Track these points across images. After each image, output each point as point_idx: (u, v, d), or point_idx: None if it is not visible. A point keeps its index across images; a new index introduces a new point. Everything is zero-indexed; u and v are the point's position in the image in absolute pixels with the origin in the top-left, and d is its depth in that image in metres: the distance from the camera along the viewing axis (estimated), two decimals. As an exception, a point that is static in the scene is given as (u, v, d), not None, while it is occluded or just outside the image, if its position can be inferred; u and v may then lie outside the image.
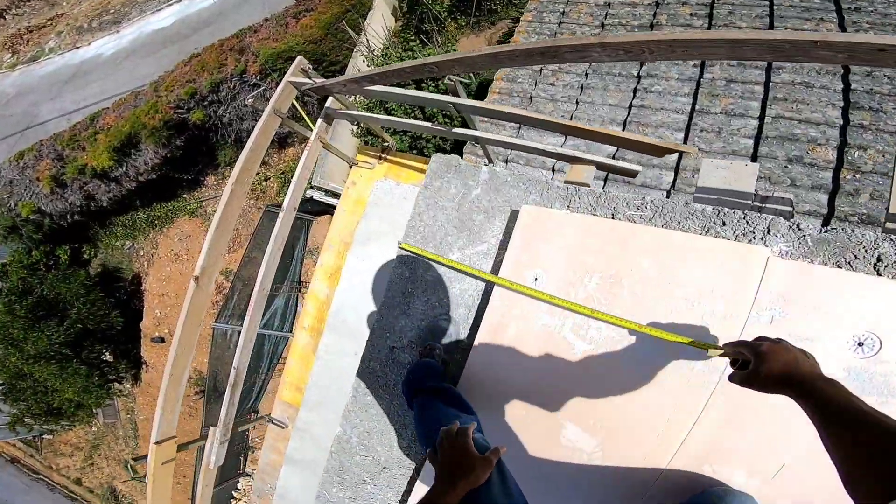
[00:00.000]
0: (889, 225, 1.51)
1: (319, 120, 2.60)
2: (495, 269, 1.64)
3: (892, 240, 1.10)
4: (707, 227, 1.28)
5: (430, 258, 1.74)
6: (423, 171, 2.96)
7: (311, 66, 2.39)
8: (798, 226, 1.18)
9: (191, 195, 9.43)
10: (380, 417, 1.87)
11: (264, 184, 8.38)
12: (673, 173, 2.78)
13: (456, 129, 2.32)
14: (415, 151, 5.03)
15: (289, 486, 3.46)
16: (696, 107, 2.91)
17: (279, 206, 7.85)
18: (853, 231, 1.13)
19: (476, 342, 1.58)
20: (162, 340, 9.61)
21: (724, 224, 1.26)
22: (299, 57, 2.42)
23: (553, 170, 3.11)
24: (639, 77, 3.23)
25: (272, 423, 4.01)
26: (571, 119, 3.21)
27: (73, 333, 8.83)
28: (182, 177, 9.11)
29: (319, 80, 2.31)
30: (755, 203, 1.72)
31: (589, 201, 1.49)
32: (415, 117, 4.80)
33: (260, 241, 7.98)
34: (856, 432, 0.71)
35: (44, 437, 11.86)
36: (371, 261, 2.88)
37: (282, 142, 8.33)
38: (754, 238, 1.21)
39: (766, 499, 1.08)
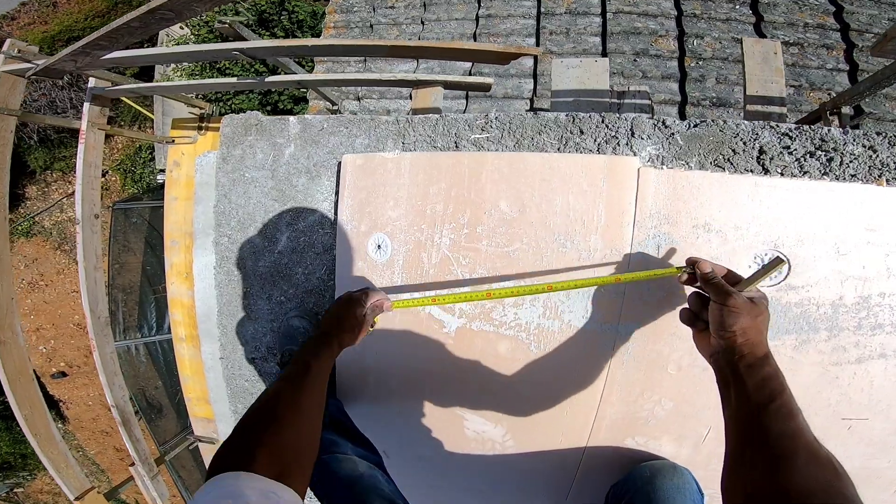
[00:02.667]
0: (749, 108, 1.33)
1: (86, 104, 1.83)
2: (332, 240, 1.22)
3: (771, 126, 0.86)
4: (564, 138, 0.95)
5: None
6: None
7: (28, 47, 1.61)
8: (664, 122, 0.90)
9: (15, 214, 7.40)
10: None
11: (103, 179, 6.77)
12: (532, 80, 2.47)
13: (270, 78, 1.73)
14: (268, 108, 4.18)
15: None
16: (542, 9, 2.56)
17: (130, 200, 6.47)
18: (726, 122, 0.87)
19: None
20: (64, 375, 8.04)
21: (582, 132, 0.94)
22: (8, 40, 1.63)
23: (412, 97, 2.64)
24: (481, -16, 2.78)
25: (201, 441, 3.42)
26: (420, 40, 2.71)
27: None
28: (-11, 198, 7.09)
29: (42, 62, 1.56)
30: (613, 100, 1.46)
31: (426, 132, 1.09)
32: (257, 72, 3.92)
33: (125, 243, 6.61)
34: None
35: (16, 490, 10.05)
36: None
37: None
38: (618, 144, 0.91)
39: (700, 465, 0.88)
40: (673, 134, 0.89)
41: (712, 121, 0.88)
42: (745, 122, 0.87)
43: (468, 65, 2.70)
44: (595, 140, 0.94)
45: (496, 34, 2.61)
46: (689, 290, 0.77)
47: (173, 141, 2.49)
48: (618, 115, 0.92)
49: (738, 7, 2.18)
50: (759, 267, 0.78)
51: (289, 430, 0.62)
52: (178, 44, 4.20)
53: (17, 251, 7.54)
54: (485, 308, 0.92)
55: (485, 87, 1.81)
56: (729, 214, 0.78)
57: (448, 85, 1.75)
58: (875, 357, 0.76)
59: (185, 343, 3.12)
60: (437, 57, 1.42)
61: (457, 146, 1.05)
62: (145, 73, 5.47)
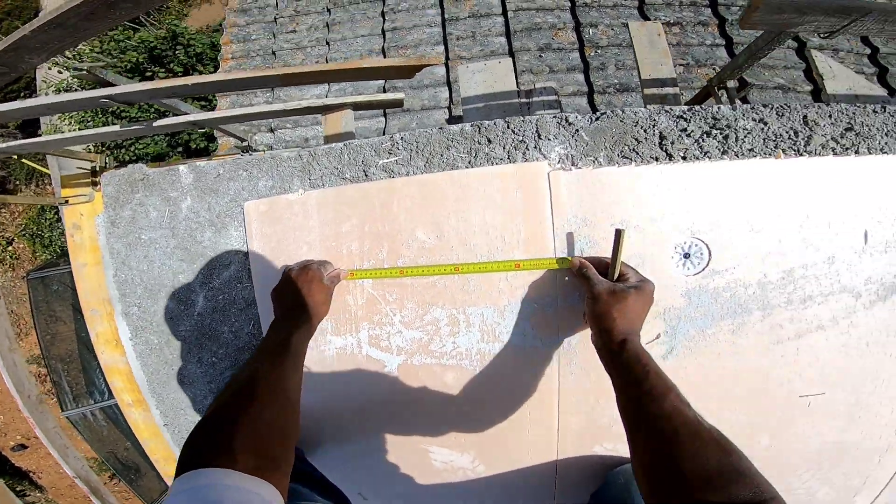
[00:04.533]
0: (646, 91, 1.34)
1: None
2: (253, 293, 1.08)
3: (667, 111, 0.83)
4: (474, 150, 0.89)
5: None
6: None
7: None
8: (567, 119, 0.85)
9: None
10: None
11: (9, 249, 5.97)
12: (447, 88, 2.41)
13: (159, 122, 1.55)
14: (179, 149, 3.83)
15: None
16: (446, 16, 2.51)
17: (44, 268, 5.78)
18: (624, 112, 0.84)
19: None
20: (24, 447, 7.24)
21: (489, 141, 0.88)
22: None
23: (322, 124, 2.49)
24: (381, -2, 2.69)
25: None
26: (327, 63, 2.57)
27: None
28: None
29: None
30: (522, 100, 1.42)
31: (332, 164, 0.98)
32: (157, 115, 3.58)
33: (50, 313, 5.90)
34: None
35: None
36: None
37: (-1, 189, 5.83)
38: (528, 148, 0.86)
39: None
40: (578, 130, 0.85)
41: (612, 112, 0.85)
42: (642, 109, 0.85)
43: (383, 81, 2.60)
44: (504, 147, 0.88)
45: (405, 46, 2.53)
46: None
47: (67, 201, 2.19)
48: (522, 118, 0.87)
49: (622, -8, 2.24)
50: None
51: (269, 414, 0.54)
52: (57, 90, 3.76)
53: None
54: (422, 342, 0.84)
55: (397, 103, 1.72)
56: (643, 208, 0.75)
57: (357, 106, 1.64)
58: (813, 330, 0.75)
59: (134, 408, 2.82)
60: (334, 80, 1.31)
61: (366, 175, 0.96)
62: (30, 124, 4.85)
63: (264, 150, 2.56)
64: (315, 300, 0.74)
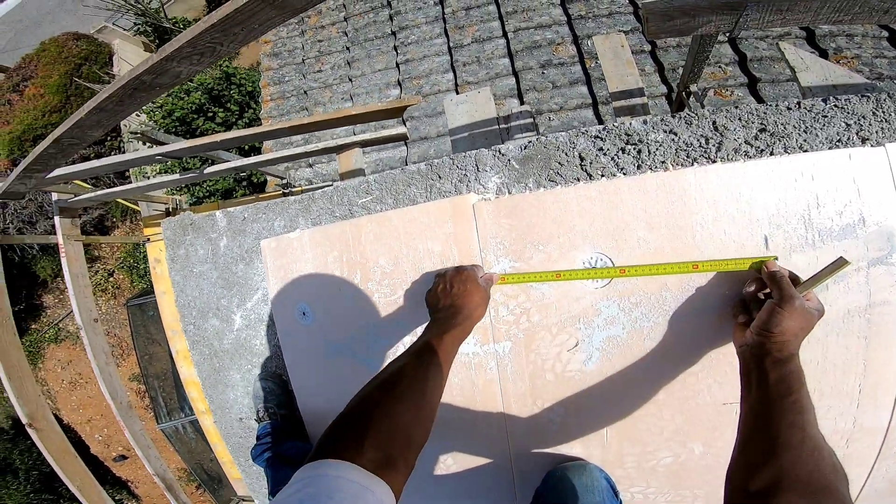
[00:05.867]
0: (615, 104, 1.44)
1: (56, 218, 2.04)
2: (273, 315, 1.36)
3: (583, 133, 0.97)
4: (428, 185, 1.08)
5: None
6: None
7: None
8: (500, 151, 1.02)
9: (39, 324, 7.78)
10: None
11: (111, 279, 7.07)
12: (456, 115, 2.62)
13: (209, 169, 1.92)
14: (244, 184, 4.39)
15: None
16: (451, 44, 2.74)
17: (140, 296, 6.76)
18: (547, 138, 0.99)
19: (293, 387, 1.37)
20: (124, 458, 8.51)
21: (440, 177, 1.07)
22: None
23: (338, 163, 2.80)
24: (394, 33, 2.97)
25: (244, 501, 3.57)
26: (351, 98, 2.90)
27: (34, 480, 7.43)
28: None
29: (-1, 185, 1.76)
30: (501, 126, 1.58)
31: (325, 204, 1.23)
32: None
33: (147, 336, 6.92)
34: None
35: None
36: (210, 332, 2.46)
37: (98, 227, 6.94)
38: (469, 181, 1.03)
39: (613, 463, 0.93)
40: (509, 160, 1.01)
41: (537, 139, 0.99)
42: (563, 133, 0.98)
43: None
44: (451, 181, 1.06)
45: (417, 76, 2.78)
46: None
47: (149, 239, 2.69)
48: (464, 154, 1.05)
49: (616, -1, 2.31)
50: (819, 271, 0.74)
51: (401, 413, 0.59)
52: (134, 132, 4.52)
53: (50, 356, 7.88)
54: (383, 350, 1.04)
55: (401, 138, 1.96)
56: (552, 229, 0.87)
57: (365, 144, 1.90)
58: (724, 337, 0.80)
59: (206, 416, 3.36)
60: (334, 126, 1.57)
61: (351, 212, 1.19)
62: (122, 172, 5.78)
63: (302, 186, 2.92)
64: (471, 302, 0.79)
